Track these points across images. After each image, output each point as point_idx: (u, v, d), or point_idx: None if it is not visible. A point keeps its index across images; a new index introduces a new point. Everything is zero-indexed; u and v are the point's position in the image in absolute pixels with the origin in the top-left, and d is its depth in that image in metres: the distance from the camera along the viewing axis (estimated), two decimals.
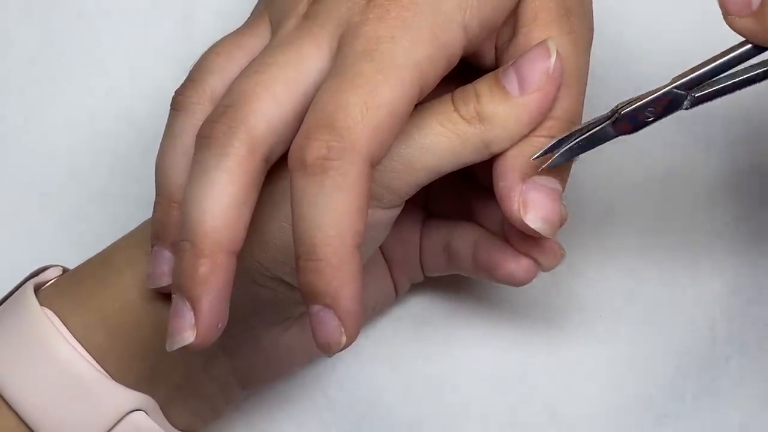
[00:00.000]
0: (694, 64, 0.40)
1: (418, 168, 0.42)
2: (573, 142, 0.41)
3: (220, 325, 0.40)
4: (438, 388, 0.51)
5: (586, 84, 0.43)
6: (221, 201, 0.39)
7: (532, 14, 0.42)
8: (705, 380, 0.50)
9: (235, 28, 0.46)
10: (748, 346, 0.50)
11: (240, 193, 0.40)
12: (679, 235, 0.51)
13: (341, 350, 0.38)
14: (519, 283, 0.46)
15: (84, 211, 0.54)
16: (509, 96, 0.41)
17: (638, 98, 0.41)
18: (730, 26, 0.39)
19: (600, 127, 0.41)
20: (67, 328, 0.45)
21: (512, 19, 0.43)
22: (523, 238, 0.44)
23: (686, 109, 0.40)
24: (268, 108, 0.40)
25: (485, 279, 0.48)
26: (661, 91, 0.40)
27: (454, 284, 0.52)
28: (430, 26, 0.40)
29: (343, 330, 0.38)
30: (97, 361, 0.45)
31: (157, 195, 0.44)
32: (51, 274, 0.47)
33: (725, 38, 0.42)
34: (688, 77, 0.40)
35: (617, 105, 0.41)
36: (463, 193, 0.47)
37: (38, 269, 0.48)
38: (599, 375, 0.51)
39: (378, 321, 0.52)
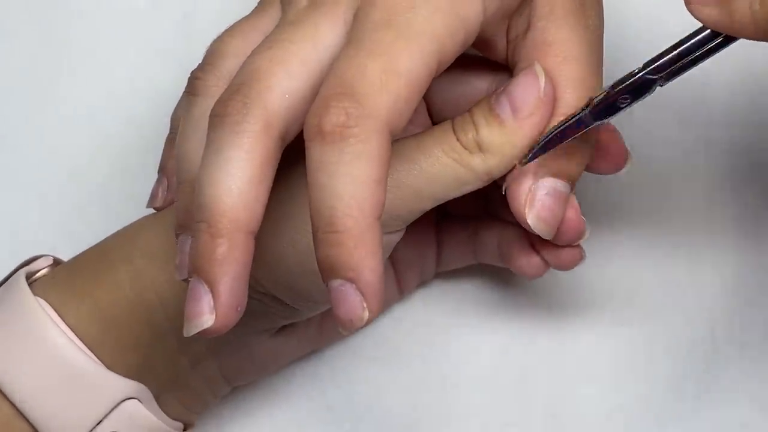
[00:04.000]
0: (662, 50, 0.40)
1: (425, 197, 0.41)
2: (551, 134, 0.41)
3: (239, 308, 0.38)
4: (437, 388, 0.51)
5: (601, 76, 0.43)
6: (238, 179, 0.38)
7: (549, 7, 0.42)
8: (705, 380, 0.50)
9: None
10: (748, 346, 0.50)
11: (257, 171, 0.38)
12: (679, 235, 0.51)
13: (363, 326, 0.37)
14: (529, 277, 0.47)
15: (84, 211, 0.55)
16: (504, 123, 0.41)
17: (612, 86, 0.40)
18: (692, 14, 0.38)
19: (577, 117, 0.41)
20: (62, 319, 0.45)
21: (527, 11, 0.42)
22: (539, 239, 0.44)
23: (655, 89, 0.40)
24: (283, 84, 0.39)
25: (508, 267, 0.49)
26: (632, 79, 0.40)
27: (454, 285, 0.52)
28: None
29: (365, 305, 0.37)
30: (91, 351, 0.45)
31: (179, 182, 0.43)
32: (42, 264, 0.47)
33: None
34: (657, 62, 0.40)
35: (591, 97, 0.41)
36: (485, 192, 0.47)
37: (29, 259, 0.48)
38: (599, 375, 0.50)
39: (377, 321, 0.52)
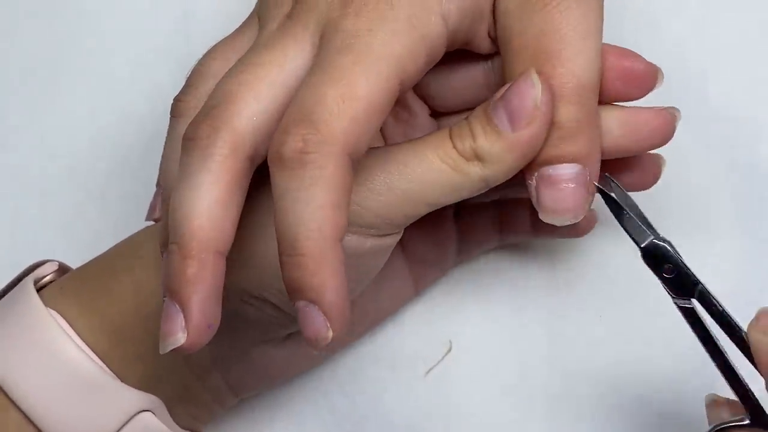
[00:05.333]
0: None
1: (419, 202, 0.41)
2: (625, 213, 0.42)
3: (210, 326, 0.39)
4: (438, 389, 0.51)
5: (596, 46, 0.42)
6: (206, 201, 0.39)
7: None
8: (705, 380, 0.50)
9: (234, 28, 0.46)
10: None
11: (225, 193, 0.39)
12: (679, 235, 0.51)
13: (330, 344, 0.38)
14: (581, 234, 0.49)
15: (83, 211, 0.55)
16: (501, 134, 0.41)
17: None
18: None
19: (650, 239, 0.43)
20: (75, 330, 0.45)
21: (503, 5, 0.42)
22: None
23: None
24: (251, 107, 0.40)
25: (545, 238, 0.50)
26: None
27: (454, 285, 0.52)
28: (408, 17, 0.40)
29: (329, 324, 0.38)
30: (104, 363, 0.45)
31: (163, 202, 0.44)
32: (47, 269, 0.47)
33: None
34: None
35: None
36: None
37: (34, 264, 0.48)
38: (599, 375, 0.51)
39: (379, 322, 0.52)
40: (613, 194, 0.42)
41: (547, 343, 0.51)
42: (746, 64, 0.52)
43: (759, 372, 0.41)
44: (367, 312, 0.49)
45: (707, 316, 0.42)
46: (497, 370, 0.51)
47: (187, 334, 0.39)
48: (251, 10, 0.46)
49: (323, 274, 0.38)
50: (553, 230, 0.49)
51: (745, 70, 0.52)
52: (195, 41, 0.55)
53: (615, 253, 0.51)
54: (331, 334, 0.38)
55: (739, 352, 0.42)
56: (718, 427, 0.43)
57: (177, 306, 0.39)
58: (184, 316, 0.39)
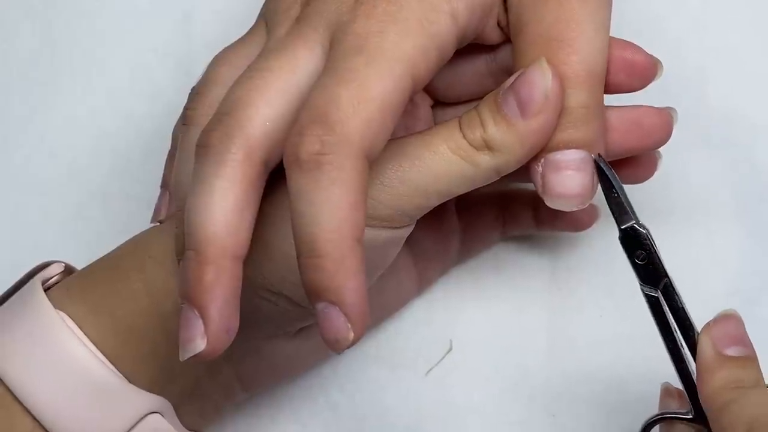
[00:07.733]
0: None
1: (431, 193, 0.42)
2: (615, 193, 0.42)
3: (230, 332, 0.39)
4: (438, 388, 0.51)
5: (606, 38, 0.42)
6: (222, 207, 0.39)
7: None
8: None
9: (234, 28, 0.46)
10: None
11: (240, 198, 0.39)
12: (679, 235, 0.51)
13: (350, 346, 0.38)
14: (583, 227, 0.49)
15: (84, 211, 0.54)
16: (512, 123, 0.41)
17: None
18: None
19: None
20: (83, 332, 0.45)
21: None
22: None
23: None
24: (264, 113, 0.40)
25: (547, 231, 0.50)
26: None
27: (454, 285, 0.52)
28: (417, 17, 0.40)
29: (349, 325, 0.38)
30: (113, 365, 0.45)
31: (177, 210, 0.44)
32: (54, 270, 0.47)
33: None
34: None
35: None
36: None
37: (40, 265, 0.47)
38: (599, 375, 0.51)
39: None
40: (607, 173, 0.43)
41: (547, 343, 0.51)
42: (746, 64, 0.52)
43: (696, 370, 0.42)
44: (371, 308, 0.49)
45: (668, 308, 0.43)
46: (497, 370, 0.51)
47: (207, 341, 0.39)
48: (251, 10, 0.46)
49: (343, 275, 0.38)
50: (555, 223, 0.50)
51: (745, 69, 0.52)
52: (195, 41, 0.55)
53: (616, 253, 0.51)
54: (352, 335, 0.38)
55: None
56: (662, 416, 0.44)
57: (196, 312, 0.39)
58: (204, 323, 0.39)
